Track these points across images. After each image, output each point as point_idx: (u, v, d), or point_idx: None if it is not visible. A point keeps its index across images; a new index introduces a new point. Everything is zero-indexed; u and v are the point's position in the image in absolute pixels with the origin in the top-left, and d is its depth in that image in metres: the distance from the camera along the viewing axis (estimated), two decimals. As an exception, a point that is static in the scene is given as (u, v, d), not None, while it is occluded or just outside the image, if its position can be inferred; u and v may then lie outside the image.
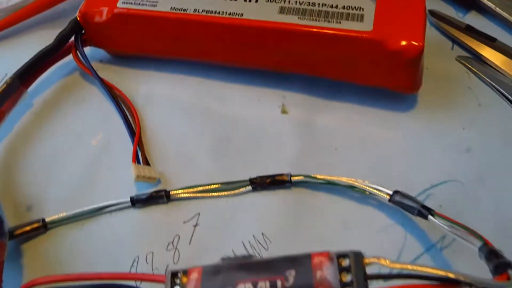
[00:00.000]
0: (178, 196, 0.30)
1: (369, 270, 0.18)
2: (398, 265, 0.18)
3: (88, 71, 0.34)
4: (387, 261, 0.18)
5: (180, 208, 0.30)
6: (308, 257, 0.18)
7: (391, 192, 0.28)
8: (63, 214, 0.30)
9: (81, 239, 0.30)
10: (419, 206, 0.26)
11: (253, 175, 0.30)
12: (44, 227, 0.30)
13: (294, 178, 0.30)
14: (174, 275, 0.20)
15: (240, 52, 0.33)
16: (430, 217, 0.26)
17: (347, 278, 0.18)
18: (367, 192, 0.29)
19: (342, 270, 0.18)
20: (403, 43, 0.29)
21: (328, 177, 0.29)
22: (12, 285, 0.27)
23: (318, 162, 0.31)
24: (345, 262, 0.18)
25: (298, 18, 0.31)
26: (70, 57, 0.35)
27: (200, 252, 0.28)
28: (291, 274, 0.18)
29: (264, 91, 0.34)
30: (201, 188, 0.30)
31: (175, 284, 0.20)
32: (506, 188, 0.29)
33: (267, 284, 0.18)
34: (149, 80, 0.35)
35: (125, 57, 0.37)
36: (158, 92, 0.35)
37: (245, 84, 0.34)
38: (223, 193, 0.30)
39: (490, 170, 0.30)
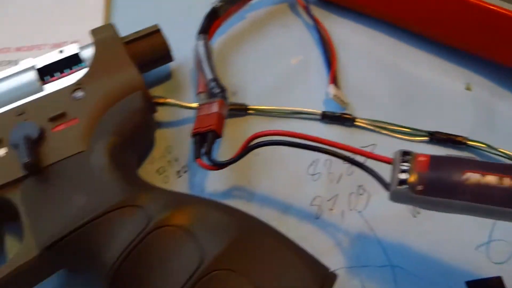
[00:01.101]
0: (361, 124, 0.34)
1: None
2: None
3: (301, 3, 0.39)
4: None
5: (360, 135, 0.34)
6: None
7: None
8: (262, 106, 0.34)
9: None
10: None
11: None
12: (245, 110, 0.34)
13: (471, 143, 0.32)
14: (405, 153, 0.23)
15: (440, 25, 0.36)
16: None
17: None
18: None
19: None
20: None
21: (507, 151, 0.32)
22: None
23: (489, 140, 0.33)
24: None
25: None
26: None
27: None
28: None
29: (452, 66, 0.37)
30: (383, 125, 0.34)
31: (405, 161, 0.23)
32: None
33: (494, 178, 0.21)
34: (347, 28, 0.39)
35: (330, 2, 0.40)
36: (354, 40, 0.39)
37: (435, 55, 0.37)
38: (400, 136, 0.34)
39: None
